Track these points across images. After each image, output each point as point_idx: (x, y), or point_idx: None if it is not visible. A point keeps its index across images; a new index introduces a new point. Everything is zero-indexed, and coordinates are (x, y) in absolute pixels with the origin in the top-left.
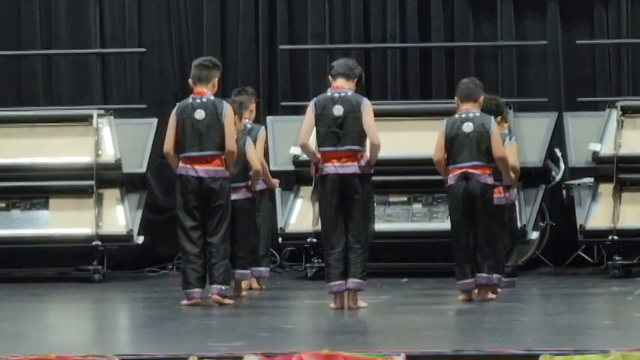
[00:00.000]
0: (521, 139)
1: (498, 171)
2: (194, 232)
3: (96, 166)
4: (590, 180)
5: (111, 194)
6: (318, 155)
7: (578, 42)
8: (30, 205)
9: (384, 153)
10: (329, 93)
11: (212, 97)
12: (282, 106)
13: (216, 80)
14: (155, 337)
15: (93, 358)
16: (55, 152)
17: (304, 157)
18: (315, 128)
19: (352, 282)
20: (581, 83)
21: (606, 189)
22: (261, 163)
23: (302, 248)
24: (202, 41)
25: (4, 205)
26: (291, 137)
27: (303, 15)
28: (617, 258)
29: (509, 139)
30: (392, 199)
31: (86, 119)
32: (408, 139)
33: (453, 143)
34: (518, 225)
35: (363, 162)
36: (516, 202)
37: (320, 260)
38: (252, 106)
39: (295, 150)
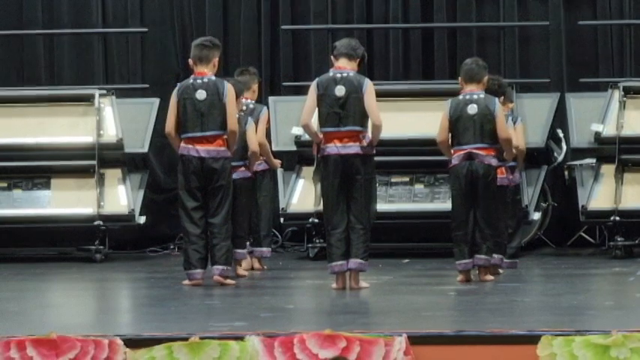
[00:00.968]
0: (524, 120)
1: (501, 151)
2: (196, 212)
3: (98, 145)
4: (592, 161)
5: (112, 174)
6: (320, 135)
7: (580, 23)
8: (32, 184)
9: (386, 133)
10: (331, 73)
11: (213, 78)
12: (284, 86)
13: (216, 60)
14: (156, 317)
15: (94, 337)
16: (56, 132)
17: (306, 137)
18: (317, 109)
19: (354, 262)
20: (584, 64)
21: (608, 170)
22: (263, 143)
23: (304, 228)
24: (204, 21)
25: (5, 184)
26: (293, 117)
27: None
28: (618, 239)
29: (514, 121)
30: (394, 179)
31: (88, 99)
32: (409, 119)
33: (457, 125)
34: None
35: (364, 142)
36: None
37: (322, 240)
38: (255, 86)
39: (297, 130)
